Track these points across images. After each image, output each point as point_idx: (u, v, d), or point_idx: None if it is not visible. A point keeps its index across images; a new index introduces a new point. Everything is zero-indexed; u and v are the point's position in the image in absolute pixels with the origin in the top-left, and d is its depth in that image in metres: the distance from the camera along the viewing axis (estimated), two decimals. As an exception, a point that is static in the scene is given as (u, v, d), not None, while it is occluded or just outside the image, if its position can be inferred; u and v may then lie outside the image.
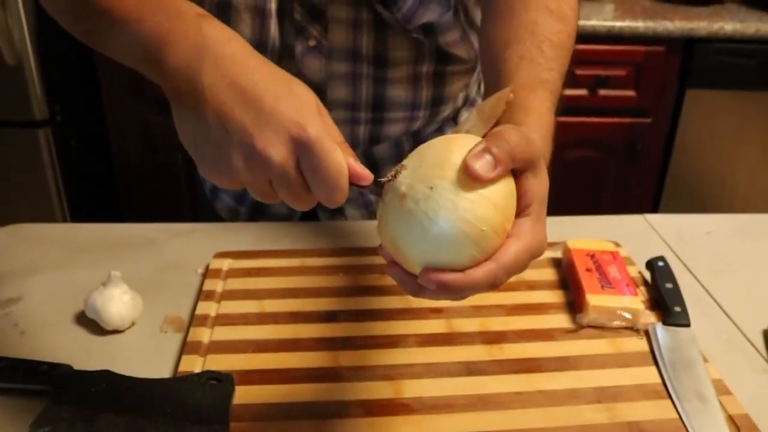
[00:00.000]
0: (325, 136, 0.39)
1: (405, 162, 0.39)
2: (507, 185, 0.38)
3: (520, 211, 0.39)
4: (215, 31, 0.42)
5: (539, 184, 0.40)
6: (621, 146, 1.76)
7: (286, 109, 0.39)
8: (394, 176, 0.38)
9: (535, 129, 0.44)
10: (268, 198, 0.42)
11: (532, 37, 0.51)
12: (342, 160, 0.39)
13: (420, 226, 0.36)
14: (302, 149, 0.39)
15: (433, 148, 0.39)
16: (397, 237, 0.38)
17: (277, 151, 0.39)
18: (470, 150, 0.37)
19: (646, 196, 1.85)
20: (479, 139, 0.38)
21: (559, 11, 0.54)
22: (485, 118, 0.41)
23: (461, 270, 0.37)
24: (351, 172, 0.40)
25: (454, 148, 0.38)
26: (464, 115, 0.85)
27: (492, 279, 0.37)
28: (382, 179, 0.39)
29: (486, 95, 0.52)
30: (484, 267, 0.37)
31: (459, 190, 0.36)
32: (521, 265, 0.38)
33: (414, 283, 0.38)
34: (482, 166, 0.36)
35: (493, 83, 0.51)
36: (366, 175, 0.40)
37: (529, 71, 0.49)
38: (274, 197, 0.42)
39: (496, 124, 0.42)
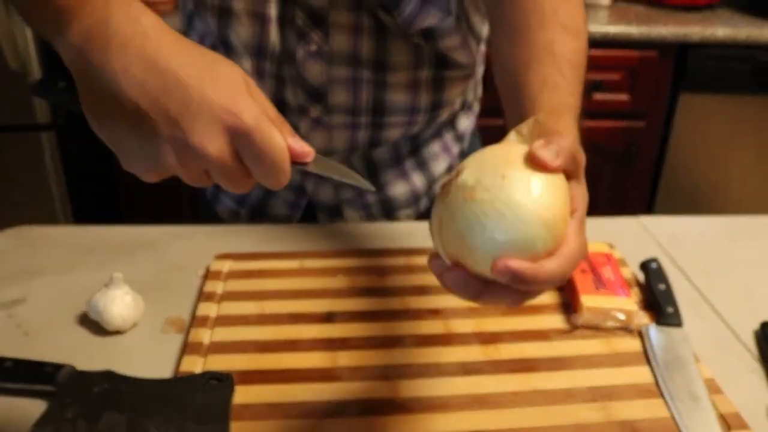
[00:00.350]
0: (262, 120, 0.37)
1: (462, 165, 0.39)
2: (564, 183, 0.39)
3: (570, 213, 0.40)
4: (124, 7, 0.37)
5: (583, 193, 0.41)
6: (616, 149, 1.78)
7: (216, 96, 0.36)
8: (456, 175, 0.39)
9: None
10: (202, 184, 0.40)
11: (551, 58, 0.51)
12: (282, 142, 0.38)
13: (496, 214, 0.36)
14: (240, 139, 0.37)
15: (490, 150, 0.40)
16: (468, 232, 0.37)
17: (214, 145, 0.36)
18: (534, 144, 0.38)
19: (640, 198, 1.87)
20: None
21: (574, 27, 0.54)
22: (523, 140, 0.42)
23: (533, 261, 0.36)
24: (292, 151, 0.39)
25: (511, 149, 0.39)
26: (462, 120, 0.86)
27: (561, 272, 0.37)
28: (442, 180, 0.40)
29: (508, 115, 0.52)
30: (554, 258, 0.37)
31: (531, 177, 0.37)
32: (576, 264, 0.38)
33: (477, 283, 0.37)
34: (548, 154, 0.37)
35: (515, 105, 0.51)
36: (308, 151, 0.39)
37: (553, 96, 0.49)
38: (208, 183, 0.40)
39: None
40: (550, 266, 0.36)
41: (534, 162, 0.37)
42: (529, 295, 0.38)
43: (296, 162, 0.40)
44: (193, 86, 0.36)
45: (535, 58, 0.52)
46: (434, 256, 0.39)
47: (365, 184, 0.43)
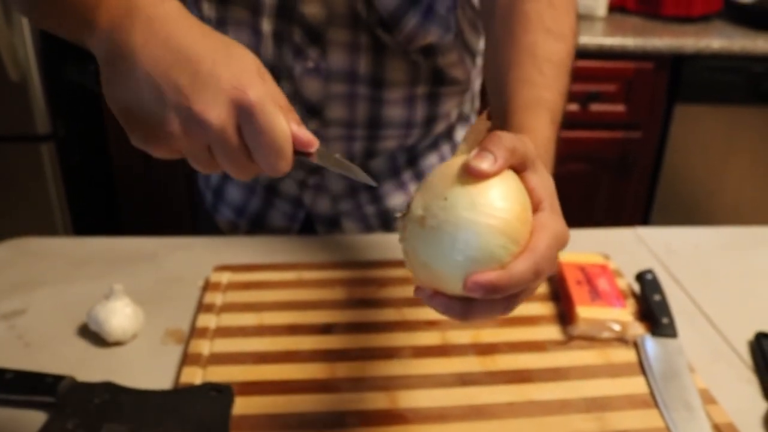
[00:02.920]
0: (267, 99, 0.38)
1: (413, 195, 0.40)
2: (514, 180, 0.39)
3: (535, 207, 0.39)
4: None
5: (543, 180, 0.40)
6: (612, 160, 1.79)
7: (225, 72, 0.38)
8: (408, 207, 0.39)
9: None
10: (208, 167, 0.40)
11: (532, 59, 0.52)
12: (285, 126, 0.38)
13: (448, 237, 0.36)
14: (243, 113, 0.37)
15: (433, 174, 0.40)
16: (430, 260, 0.37)
17: (216, 114, 0.37)
18: (468, 157, 0.38)
19: (637, 208, 1.87)
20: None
21: (558, 31, 0.55)
22: (472, 143, 0.42)
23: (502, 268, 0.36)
24: (295, 138, 0.39)
25: (452, 164, 0.39)
26: (459, 131, 0.87)
27: (534, 268, 0.36)
28: (397, 214, 0.39)
29: (492, 116, 0.53)
30: (522, 258, 0.36)
31: (471, 191, 0.37)
32: (554, 254, 0.38)
33: (460, 304, 0.38)
34: (482, 162, 0.37)
35: (498, 107, 0.52)
36: (311, 140, 0.39)
37: (529, 93, 0.50)
38: (214, 165, 0.40)
39: None
40: (520, 267, 0.36)
41: (470, 175, 0.37)
42: (516, 300, 0.38)
43: (299, 151, 0.39)
44: (204, 61, 0.38)
45: (517, 60, 0.53)
46: (417, 287, 0.40)
47: (367, 179, 0.43)
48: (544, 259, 0.37)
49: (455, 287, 0.37)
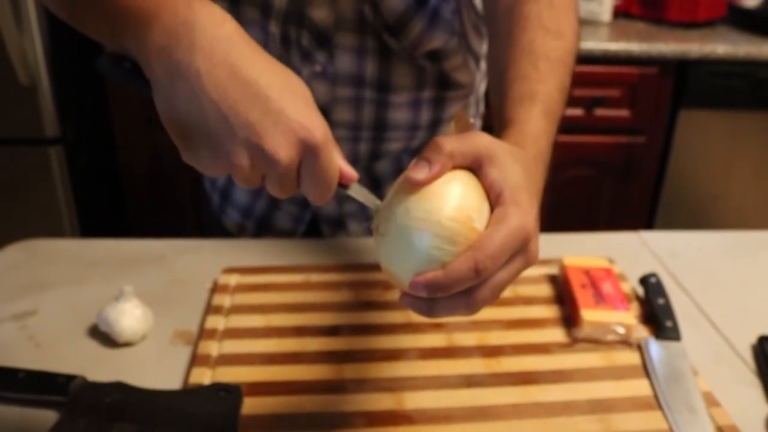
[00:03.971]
0: (329, 139, 0.40)
1: (377, 203, 0.42)
2: (461, 180, 0.40)
3: (494, 201, 0.40)
4: (207, 9, 0.39)
5: (504, 174, 0.40)
6: (616, 164, 1.79)
7: (292, 110, 0.39)
8: (376, 223, 0.41)
9: (514, 139, 0.46)
10: (251, 186, 0.41)
11: (528, 56, 0.53)
12: (338, 164, 0.41)
13: (393, 245, 0.39)
14: (309, 152, 0.39)
15: (395, 183, 0.42)
16: (387, 265, 0.40)
17: (285, 153, 0.39)
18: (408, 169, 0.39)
19: (641, 213, 1.88)
20: None
21: (556, 30, 0.55)
22: None
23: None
24: (341, 173, 0.42)
25: (398, 179, 0.41)
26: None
27: (472, 265, 0.37)
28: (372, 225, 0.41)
29: (493, 112, 0.54)
30: (461, 258, 0.37)
31: (409, 198, 0.39)
32: (505, 250, 0.38)
33: (424, 302, 0.39)
34: (417, 172, 0.38)
35: (496, 105, 0.53)
36: (354, 175, 0.42)
37: (521, 87, 0.50)
38: (258, 185, 0.41)
39: None
40: (457, 267, 0.37)
41: (409, 183, 0.39)
42: (478, 297, 0.38)
43: (339, 183, 0.42)
44: (273, 98, 0.38)
45: (514, 57, 0.53)
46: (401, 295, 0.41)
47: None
48: (487, 255, 0.37)
49: (406, 286, 0.40)
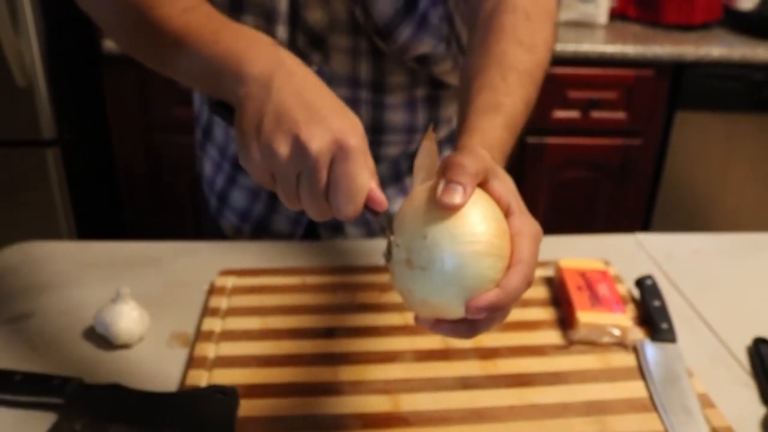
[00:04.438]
0: (362, 151, 0.42)
1: (391, 238, 0.41)
2: (482, 197, 0.40)
3: (505, 212, 0.41)
4: (290, 55, 0.47)
5: (505, 184, 0.42)
6: (613, 166, 1.80)
7: (337, 119, 0.43)
8: (390, 253, 0.41)
9: (478, 145, 0.46)
10: (290, 198, 0.44)
11: (498, 66, 0.54)
12: (366, 179, 0.42)
13: (438, 274, 0.38)
14: (340, 152, 0.42)
15: (403, 212, 0.41)
16: (428, 297, 0.39)
17: (317, 145, 0.41)
18: (433, 188, 0.39)
19: (637, 214, 1.88)
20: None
21: (529, 43, 0.56)
22: (429, 166, 0.43)
23: (496, 286, 0.39)
24: (371, 194, 0.43)
25: (418, 198, 0.40)
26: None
27: (525, 277, 0.39)
28: (384, 258, 0.41)
29: (458, 120, 0.55)
30: (514, 272, 0.39)
31: (448, 224, 0.38)
32: (536, 256, 0.40)
33: (466, 325, 0.40)
34: (451, 196, 0.38)
35: (460, 109, 0.54)
36: (384, 201, 0.43)
37: (487, 97, 0.51)
38: (296, 199, 0.44)
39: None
40: (514, 282, 0.39)
41: (446, 210, 0.39)
42: (509, 306, 0.40)
43: (370, 208, 0.43)
44: (324, 108, 0.43)
45: (484, 67, 0.54)
46: (417, 316, 0.42)
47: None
48: (529, 265, 0.40)
49: (457, 313, 0.39)
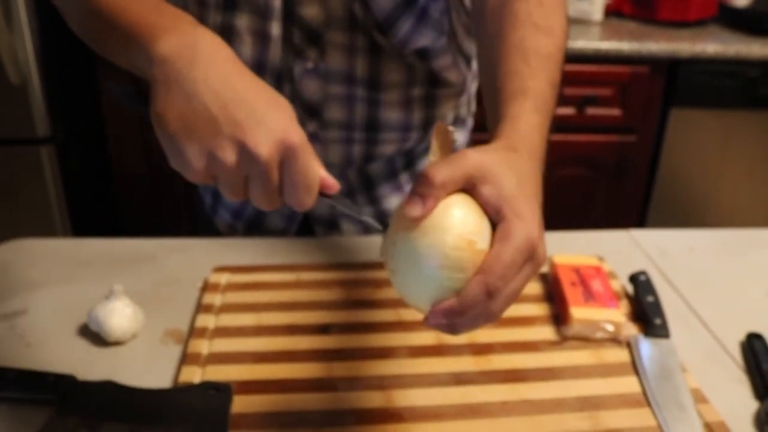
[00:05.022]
0: (307, 144, 0.43)
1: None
2: (459, 205, 0.40)
3: (494, 218, 0.40)
4: (209, 36, 0.46)
5: (498, 188, 0.40)
6: (608, 163, 1.80)
7: (274, 117, 0.43)
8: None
9: (507, 134, 0.46)
10: (236, 194, 0.44)
11: (519, 53, 0.53)
12: (317, 170, 0.44)
13: (405, 279, 0.40)
14: (288, 152, 0.42)
15: (395, 212, 0.42)
16: (404, 295, 0.42)
17: (266, 149, 0.42)
18: (402, 204, 0.40)
19: (633, 211, 1.88)
20: None
21: (546, 27, 0.56)
22: (442, 157, 0.43)
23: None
24: (322, 181, 0.44)
25: (396, 209, 0.42)
26: (455, 134, 0.87)
27: (483, 288, 0.38)
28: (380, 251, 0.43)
29: (487, 114, 0.54)
30: (472, 283, 0.38)
31: (410, 234, 0.40)
32: (514, 266, 0.39)
33: (445, 325, 0.40)
34: (412, 208, 0.39)
35: (489, 104, 0.54)
36: (335, 184, 0.45)
37: (513, 83, 0.51)
38: (242, 194, 0.44)
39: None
40: (470, 293, 0.38)
41: (409, 220, 0.39)
42: (493, 310, 0.39)
43: (322, 192, 0.45)
44: (258, 106, 0.43)
45: (505, 55, 0.54)
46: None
47: (373, 223, 0.46)
48: (497, 275, 0.38)
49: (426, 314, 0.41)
